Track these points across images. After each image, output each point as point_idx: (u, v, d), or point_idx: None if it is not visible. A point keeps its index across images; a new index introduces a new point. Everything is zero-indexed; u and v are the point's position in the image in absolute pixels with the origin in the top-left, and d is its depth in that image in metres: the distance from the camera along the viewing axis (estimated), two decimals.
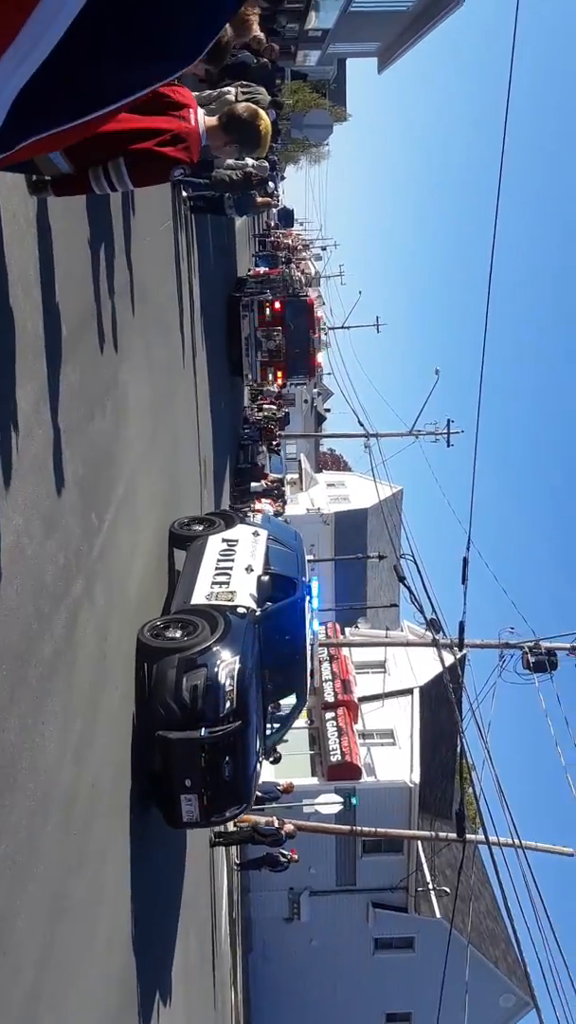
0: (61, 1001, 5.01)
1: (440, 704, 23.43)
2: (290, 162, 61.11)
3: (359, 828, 18.66)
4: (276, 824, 15.96)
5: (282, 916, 23.25)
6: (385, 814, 20.59)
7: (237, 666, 7.94)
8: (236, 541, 9.93)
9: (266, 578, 9.34)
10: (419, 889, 22.11)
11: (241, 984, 21.48)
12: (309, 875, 22.47)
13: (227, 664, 7.86)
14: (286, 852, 17.19)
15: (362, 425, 29.74)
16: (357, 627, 30.12)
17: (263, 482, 22.84)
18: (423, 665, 24.37)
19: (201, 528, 10.27)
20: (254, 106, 4.87)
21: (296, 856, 17.38)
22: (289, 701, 10.35)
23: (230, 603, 8.71)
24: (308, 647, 10.22)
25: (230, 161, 10.50)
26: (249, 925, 23.24)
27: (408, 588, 18.94)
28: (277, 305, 22.15)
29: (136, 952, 7.14)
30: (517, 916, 27.71)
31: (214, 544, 9.80)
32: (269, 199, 19.97)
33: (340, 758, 21.58)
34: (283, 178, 45.28)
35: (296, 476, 44.75)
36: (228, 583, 9.02)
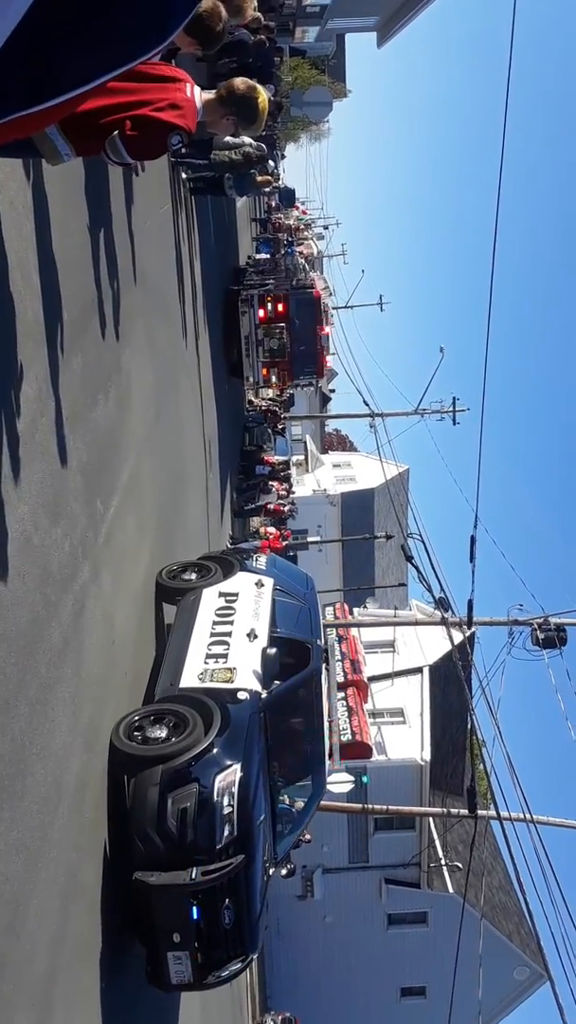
0: (76, 983, 5.07)
1: (450, 682, 23.49)
2: (290, 140, 60.57)
3: (371, 806, 18.75)
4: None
5: (295, 894, 23.45)
6: (396, 791, 20.69)
7: (238, 776, 6.38)
8: (236, 596, 8.29)
9: (272, 650, 7.50)
10: (431, 865, 22.25)
11: (256, 961, 21.73)
12: (322, 853, 22.63)
13: (226, 776, 6.30)
14: None
15: (367, 405, 29.61)
16: (366, 607, 30.13)
17: (267, 466, 22.69)
18: (432, 644, 24.41)
19: (194, 577, 8.65)
20: (251, 81, 4.82)
21: (309, 835, 17.50)
22: (304, 787, 8.55)
23: (229, 685, 7.05)
24: (325, 724, 8.53)
25: (228, 139, 10.40)
26: None
27: (416, 567, 18.95)
28: (280, 299, 19.99)
29: None
30: (530, 889, 27.93)
31: (209, 600, 8.18)
32: (269, 178, 19.69)
33: (351, 737, 21.66)
34: (283, 156, 44.90)
35: (302, 457, 44.68)
36: (226, 656, 7.35)
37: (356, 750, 21.57)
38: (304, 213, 54.07)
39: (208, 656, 7.33)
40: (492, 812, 16.41)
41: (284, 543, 21.78)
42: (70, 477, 5.22)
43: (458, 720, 24.16)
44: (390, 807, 18.49)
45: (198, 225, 12.89)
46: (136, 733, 6.30)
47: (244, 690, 7.02)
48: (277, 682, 7.44)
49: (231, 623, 7.80)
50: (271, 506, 21.83)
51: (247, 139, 10.69)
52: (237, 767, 6.40)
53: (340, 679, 23.20)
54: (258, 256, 26.09)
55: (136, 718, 6.43)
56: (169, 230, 10.27)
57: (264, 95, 4.73)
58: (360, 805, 18.87)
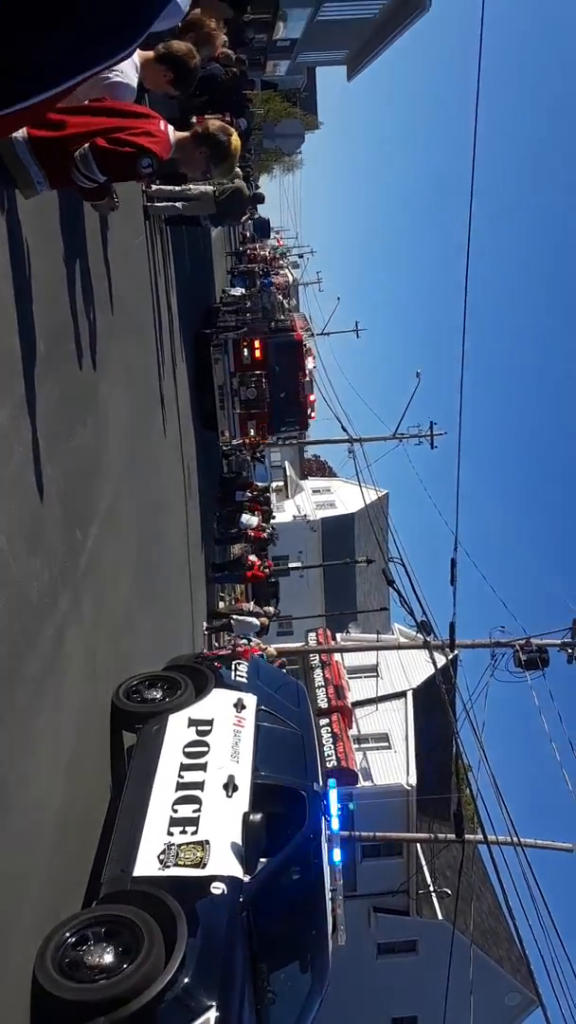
0: None
1: (434, 706, 23.46)
2: (264, 172, 61.33)
3: (358, 833, 18.62)
4: None
5: None
6: (383, 818, 20.56)
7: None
8: (210, 724, 6.58)
9: (258, 816, 5.59)
10: (420, 892, 22.09)
11: None
12: None
13: None
14: None
15: (345, 430, 29.76)
16: (348, 632, 30.10)
17: (248, 492, 22.68)
18: (415, 667, 24.43)
19: (159, 696, 6.98)
20: (224, 123, 4.95)
21: None
22: (302, 984, 6.63)
23: (199, 872, 5.18)
24: (328, 899, 6.71)
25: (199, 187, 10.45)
26: None
27: (397, 591, 18.95)
28: (257, 344, 18.38)
29: None
30: (519, 914, 27.70)
31: (176, 732, 6.47)
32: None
33: (336, 764, 21.55)
34: (257, 188, 45.41)
35: (281, 483, 44.79)
36: (196, 823, 5.55)
37: (342, 776, 21.47)
38: (280, 243, 54.63)
39: (173, 823, 5.55)
40: (479, 836, 16.35)
41: (266, 571, 21.72)
42: (48, 506, 5.20)
43: (443, 744, 24.11)
44: (377, 834, 18.39)
45: (173, 257, 12.98)
46: (68, 960, 4.46)
47: (220, 879, 5.14)
48: (263, 860, 5.56)
49: (203, 768, 6.09)
50: (251, 533, 21.78)
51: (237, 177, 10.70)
52: (211, 1013, 4.45)
53: (324, 705, 23.14)
54: (232, 292, 25.35)
55: (68, 935, 4.54)
56: (144, 262, 10.33)
57: (237, 138, 4.86)
58: (347, 832, 18.73)
